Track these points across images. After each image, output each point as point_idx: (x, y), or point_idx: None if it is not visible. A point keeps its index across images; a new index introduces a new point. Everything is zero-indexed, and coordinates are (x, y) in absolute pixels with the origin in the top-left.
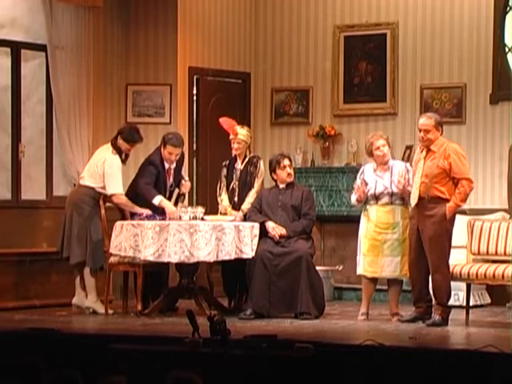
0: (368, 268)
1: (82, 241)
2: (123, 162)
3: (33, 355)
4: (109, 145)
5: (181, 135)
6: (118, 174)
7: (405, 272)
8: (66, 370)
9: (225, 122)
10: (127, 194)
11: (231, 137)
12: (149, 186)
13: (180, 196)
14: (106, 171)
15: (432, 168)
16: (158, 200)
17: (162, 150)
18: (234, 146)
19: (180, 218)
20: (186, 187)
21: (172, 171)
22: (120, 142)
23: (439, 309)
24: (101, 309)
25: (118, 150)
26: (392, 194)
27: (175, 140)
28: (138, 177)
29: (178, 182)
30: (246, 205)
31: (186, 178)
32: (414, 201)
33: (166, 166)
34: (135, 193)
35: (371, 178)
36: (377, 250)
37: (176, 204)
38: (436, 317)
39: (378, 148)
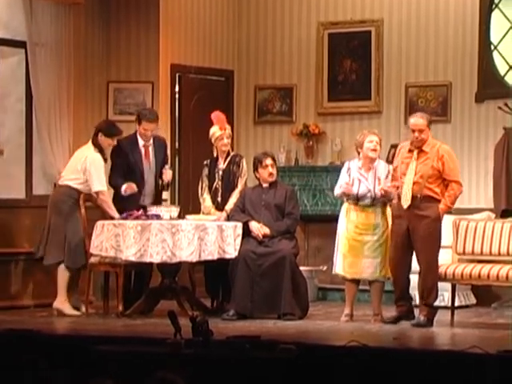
0: (348, 269)
1: (59, 241)
2: (105, 160)
3: (14, 356)
4: (89, 144)
5: (155, 110)
6: (101, 171)
7: (384, 273)
8: (51, 371)
9: (217, 116)
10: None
11: (219, 133)
12: (117, 179)
13: (163, 186)
14: (89, 169)
15: (426, 168)
16: (123, 190)
17: (138, 127)
18: (224, 141)
19: (160, 217)
20: (168, 175)
21: (151, 153)
22: (102, 138)
23: (425, 309)
24: (68, 310)
25: (99, 149)
26: (374, 198)
27: (150, 115)
28: (110, 176)
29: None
30: (230, 205)
31: (167, 166)
32: (406, 203)
33: (141, 143)
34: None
35: (355, 176)
36: (357, 251)
37: (161, 194)
38: (421, 317)
39: (372, 142)
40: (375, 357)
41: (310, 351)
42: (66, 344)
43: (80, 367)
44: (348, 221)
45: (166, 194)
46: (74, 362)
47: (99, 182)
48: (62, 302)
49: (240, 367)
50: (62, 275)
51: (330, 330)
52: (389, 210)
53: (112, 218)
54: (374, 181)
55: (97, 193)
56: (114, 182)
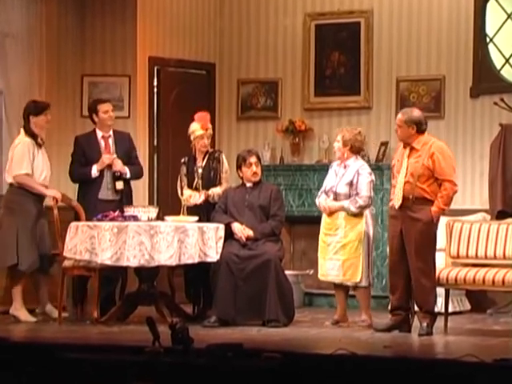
0: (319, 271)
1: (12, 243)
2: (39, 145)
3: None
4: (21, 132)
5: None
6: (21, 154)
7: (348, 277)
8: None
9: (202, 116)
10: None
11: (200, 132)
12: (79, 168)
13: (114, 174)
14: (10, 156)
15: (417, 167)
16: (94, 171)
17: (96, 117)
18: (204, 141)
19: (138, 218)
20: (116, 165)
21: (111, 146)
22: (34, 120)
23: (427, 317)
24: (24, 317)
25: (30, 133)
26: (336, 193)
27: (100, 99)
28: (69, 167)
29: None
30: (215, 190)
31: (114, 155)
32: (398, 202)
33: (99, 135)
34: (75, 182)
35: (330, 173)
36: (324, 252)
37: (114, 185)
38: (425, 325)
39: (337, 141)
40: (364, 366)
41: (295, 360)
42: (36, 352)
43: (52, 377)
44: (322, 221)
45: (119, 184)
46: (45, 371)
47: (17, 166)
48: (17, 309)
49: (222, 377)
50: (15, 281)
51: (317, 337)
52: (364, 212)
53: (41, 196)
54: (341, 178)
55: (14, 177)
56: (74, 176)
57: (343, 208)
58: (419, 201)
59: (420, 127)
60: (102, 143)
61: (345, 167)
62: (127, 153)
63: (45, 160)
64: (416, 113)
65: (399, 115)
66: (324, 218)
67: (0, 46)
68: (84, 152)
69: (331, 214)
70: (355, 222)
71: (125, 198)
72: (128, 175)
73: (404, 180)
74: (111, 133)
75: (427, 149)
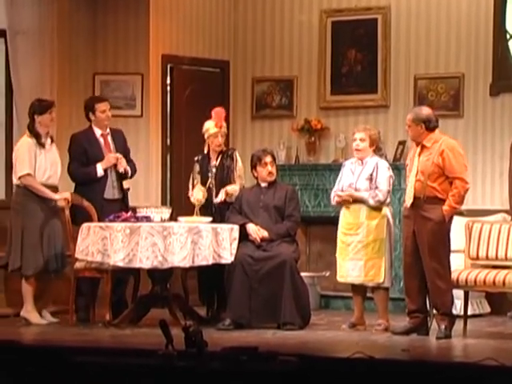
0: (338, 272)
1: (16, 246)
2: (42, 145)
3: None
4: (27, 132)
5: None
6: (24, 155)
7: (370, 278)
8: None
9: (218, 112)
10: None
11: (214, 130)
12: (82, 168)
13: (120, 174)
14: (14, 157)
15: (427, 165)
16: (99, 170)
17: (92, 116)
18: (218, 139)
19: (150, 219)
20: (122, 164)
21: (110, 143)
22: (39, 119)
23: (445, 319)
24: (35, 319)
25: (35, 133)
26: (356, 190)
27: (97, 97)
28: (69, 166)
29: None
30: (232, 187)
31: (118, 154)
32: (409, 200)
33: (98, 133)
34: (77, 182)
35: (346, 172)
36: (344, 252)
37: (121, 185)
38: (442, 328)
39: (355, 140)
40: (382, 369)
41: (311, 363)
42: (47, 355)
43: (63, 381)
44: (340, 221)
45: (126, 184)
46: (57, 374)
47: (21, 167)
48: (28, 311)
49: (236, 381)
50: (23, 282)
51: (333, 340)
52: (385, 211)
53: (48, 200)
54: (359, 176)
55: (20, 178)
56: (76, 176)
57: (362, 199)
58: (431, 200)
59: (428, 125)
60: (102, 141)
61: (362, 163)
62: (124, 150)
63: (50, 159)
64: (424, 111)
65: (408, 115)
66: (344, 218)
67: (11, 44)
68: (85, 151)
69: (353, 213)
70: (377, 221)
71: (126, 196)
72: (129, 173)
73: (415, 178)
74: (108, 130)
75: (437, 147)
